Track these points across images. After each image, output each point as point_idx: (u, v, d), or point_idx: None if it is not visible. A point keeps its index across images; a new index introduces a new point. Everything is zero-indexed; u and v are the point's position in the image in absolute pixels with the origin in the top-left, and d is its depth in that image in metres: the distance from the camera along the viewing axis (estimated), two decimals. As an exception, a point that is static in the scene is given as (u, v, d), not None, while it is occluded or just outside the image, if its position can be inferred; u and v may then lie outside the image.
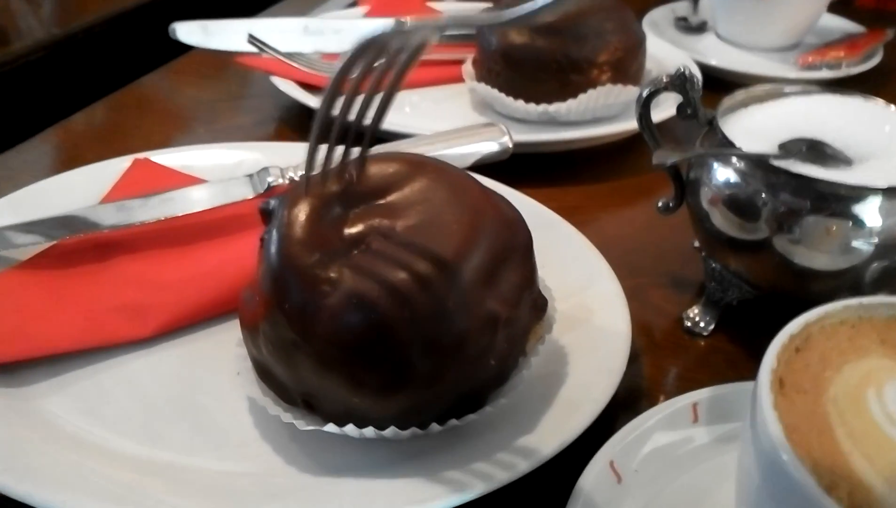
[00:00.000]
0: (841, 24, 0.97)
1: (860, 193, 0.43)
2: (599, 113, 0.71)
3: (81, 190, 0.57)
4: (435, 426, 0.38)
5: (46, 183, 0.58)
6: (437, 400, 0.38)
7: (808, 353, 0.31)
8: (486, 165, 0.60)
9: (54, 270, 0.51)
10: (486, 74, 0.73)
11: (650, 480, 0.38)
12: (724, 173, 0.47)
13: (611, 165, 0.70)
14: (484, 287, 0.37)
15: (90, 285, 0.50)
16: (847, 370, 0.30)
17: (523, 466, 0.37)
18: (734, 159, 0.46)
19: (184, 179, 0.59)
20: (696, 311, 0.52)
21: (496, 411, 0.39)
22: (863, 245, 0.43)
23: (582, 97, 0.69)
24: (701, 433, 0.40)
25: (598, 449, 0.38)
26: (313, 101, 0.72)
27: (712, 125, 0.49)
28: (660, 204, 0.52)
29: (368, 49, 0.32)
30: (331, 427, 0.38)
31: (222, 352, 0.44)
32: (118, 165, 0.60)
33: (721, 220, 0.47)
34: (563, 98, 0.70)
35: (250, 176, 0.57)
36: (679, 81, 0.48)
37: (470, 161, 0.61)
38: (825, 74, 0.85)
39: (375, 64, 0.32)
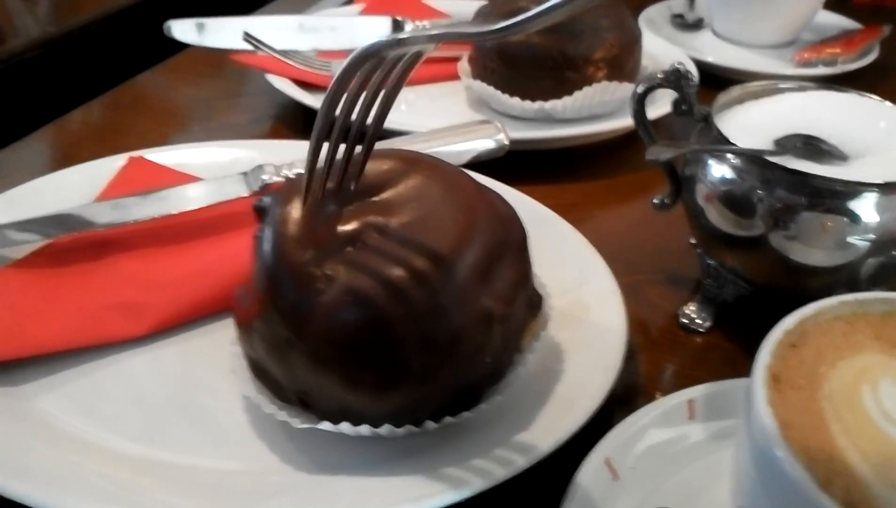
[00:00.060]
0: (837, 21, 0.97)
1: (856, 189, 0.43)
2: (595, 110, 0.71)
3: (76, 188, 0.57)
4: (430, 424, 0.38)
5: (41, 181, 0.58)
6: (433, 397, 0.38)
7: (803, 349, 0.31)
8: (483, 163, 0.60)
9: (49, 268, 0.50)
10: (482, 71, 0.73)
11: (646, 477, 0.37)
12: (719, 170, 0.47)
13: (607, 162, 0.70)
14: (479, 284, 0.37)
15: (85, 283, 0.50)
16: (842, 366, 0.30)
17: (519, 463, 0.37)
18: (729, 156, 0.46)
19: (179, 178, 0.59)
20: (693, 307, 0.52)
21: (492, 408, 0.39)
22: (858, 241, 0.43)
23: (578, 94, 0.69)
24: (697, 429, 0.40)
25: (594, 446, 0.38)
26: (309, 98, 0.72)
27: (707, 121, 0.48)
28: (655, 201, 0.52)
29: (364, 60, 0.33)
30: (326, 425, 0.38)
31: (217, 350, 0.44)
32: (113, 164, 0.60)
33: (717, 216, 0.47)
34: (559, 95, 0.69)
35: (245, 174, 0.57)
36: (674, 78, 0.48)
37: (466, 159, 0.60)
38: (821, 70, 0.85)
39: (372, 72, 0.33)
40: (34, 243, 0.51)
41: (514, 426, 0.40)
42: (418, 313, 0.35)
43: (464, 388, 0.38)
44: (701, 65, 0.80)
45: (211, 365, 0.45)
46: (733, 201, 0.46)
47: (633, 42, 0.73)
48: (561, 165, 0.69)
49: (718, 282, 0.51)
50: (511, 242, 0.40)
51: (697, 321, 0.51)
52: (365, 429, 0.37)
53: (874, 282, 0.45)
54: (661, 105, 0.63)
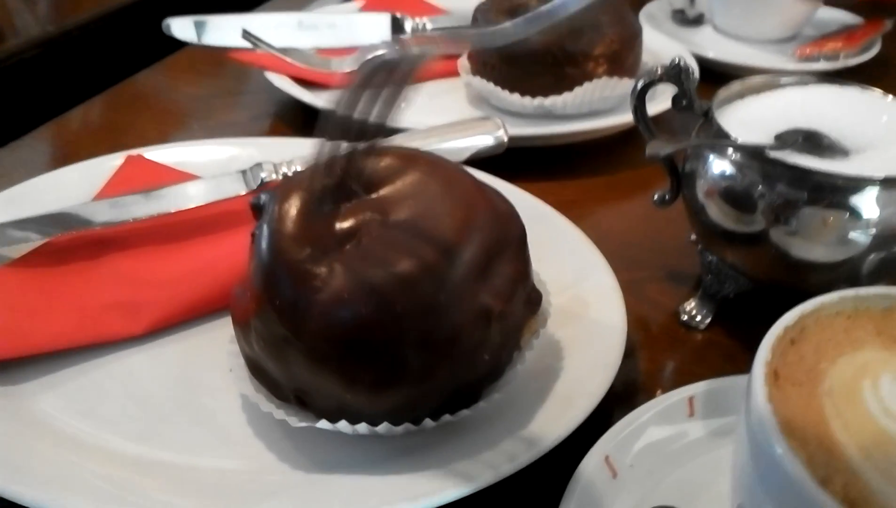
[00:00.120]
0: (839, 16, 0.96)
1: (857, 183, 0.43)
2: (595, 106, 0.71)
3: (75, 187, 0.57)
4: (428, 422, 0.38)
5: (40, 180, 0.58)
6: (431, 396, 0.37)
7: (803, 345, 0.31)
8: (482, 160, 0.60)
9: (47, 267, 0.50)
10: (482, 67, 0.73)
11: (646, 474, 0.37)
12: (719, 165, 0.46)
13: (607, 158, 0.70)
14: (477, 281, 0.37)
15: (83, 282, 0.50)
16: (842, 361, 0.30)
17: (518, 461, 0.37)
18: (730, 151, 0.46)
19: (177, 176, 0.59)
20: (693, 304, 0.51)
21: (490, 406, 0.39)
22: (860, 236, 0.43)
23: (578, 90, 0.69)
24: (697, 427, 0.40)
25: (594, 444, 0.38)
26: (308, 96, 0.72)
27: (708, 117, 0.48)
28: (656, 197, 0.52)
29: (369, 73, 0.32)
30: (323, 424, 0.38)
31: (215, 349, 0.44)
32: (111, 162, 0.60)
33: (717, 212, 0.47)
34: (558, 91, 0.69)
35: (243, 172, 0.57)
36: (674, 72, 0.48)
37: (465, 155, 0.60)
38: (823, 65, 0.85)
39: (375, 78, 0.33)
40: (33, 241, 0.51)
41: (513, 424, 0.40)
42: (416, 311, 0.35)
43: (462, 386, 0.38)
44: (701, 60, 0.80)
45: (209, 364, 0.45)
46: (734, 196, 0.46)
47: (633, 38, 0.72)
48: (561, 162, 0.69)
49: (719, 278, 0.50)
50: (510, 239, 0.39)
51: (698, 317, 0.51)
52: (363, 427, 0.37)
53: (875, 277, 0.44)
54: (661, 101, 0.62)
